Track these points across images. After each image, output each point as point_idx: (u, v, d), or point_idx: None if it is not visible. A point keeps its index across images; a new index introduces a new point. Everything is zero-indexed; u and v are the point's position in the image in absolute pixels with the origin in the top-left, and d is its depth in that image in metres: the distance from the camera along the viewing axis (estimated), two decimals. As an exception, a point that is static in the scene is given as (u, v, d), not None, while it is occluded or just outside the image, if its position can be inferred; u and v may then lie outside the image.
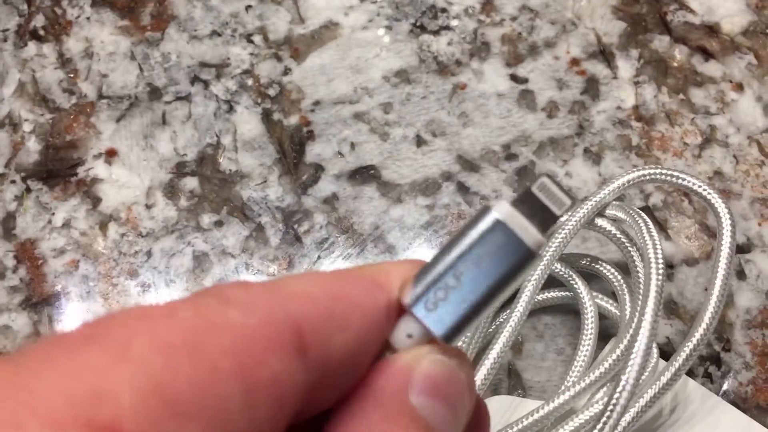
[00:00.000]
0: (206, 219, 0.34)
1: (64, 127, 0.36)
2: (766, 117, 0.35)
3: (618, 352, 0.26)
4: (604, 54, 0.37)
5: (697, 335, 0.27)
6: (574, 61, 0.36)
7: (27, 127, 0.36)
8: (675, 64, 0.36)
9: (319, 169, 0.35)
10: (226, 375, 0.11)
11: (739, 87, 0.36)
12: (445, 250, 0.14)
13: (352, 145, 0.35)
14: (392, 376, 0.14)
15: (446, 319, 0.14)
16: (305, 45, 0.37)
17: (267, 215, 0.34)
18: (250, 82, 0.36)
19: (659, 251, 0.26)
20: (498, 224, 0.14)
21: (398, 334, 0.15)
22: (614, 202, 0.29)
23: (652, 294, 0.26)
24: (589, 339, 0.28)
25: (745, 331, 0.31)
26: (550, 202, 0.15)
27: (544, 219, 0.14)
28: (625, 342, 0.26)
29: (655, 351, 0.27)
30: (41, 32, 0.38)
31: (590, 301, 0.29)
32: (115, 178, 0.35)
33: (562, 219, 0.28)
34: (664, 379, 0.26)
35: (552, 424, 0.27)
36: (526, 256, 0.14)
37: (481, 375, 0.27)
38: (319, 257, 0.33)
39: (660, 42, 0.37)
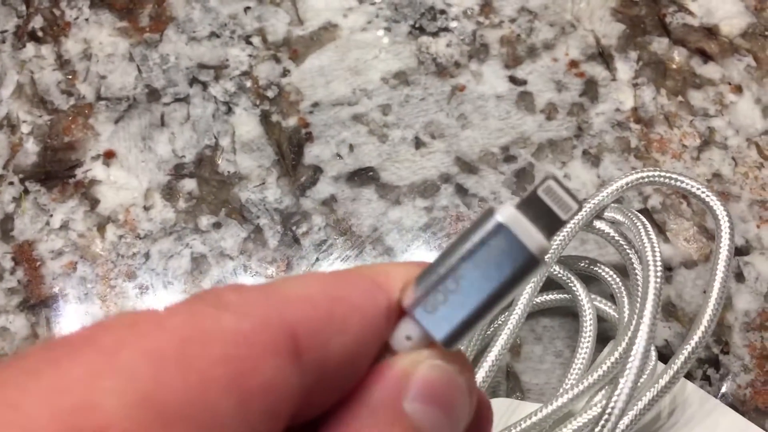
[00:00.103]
0: (204, 221, 0.34)
1: (63, 129, 0.36)
2: (765, 119, 0.35)
3: (616, 354, 0.26)
4: (603, 56, 0.37)
5: (696, 338, 0.27)
6: (573, 63, 0.36)
7: (25, 129, 0.36)
8: (674, 66, 0.36)
9: (317, 170, 0.35)
10: (217, 384, 0.11)
11: (738, 89, 0.36)
12: (447, 252, 0.14)
13: (351, 147, 0.35)
14: (387, 382, 0.14)
15: (446, 324, 0.14)
16: (304, 46, 0.37)
17: (265, 217, 0.34)
18: (248, 83, 0.36)
19: (658, 254, 0.26)
20: (501, 228, 0.14)
21: (398, 336, 0.14)
22: (613, 205, 0.29)
23: (651, 296, 0.26)
24: (588, 341, 0.28)
25: (744, 333, 0.31)
26: (556, 205, 0.14)
27: (550, 224, 0.14)
28: (624, 344, 0.26)
29: (653, 353, 0.27)
30: (40, 33, 0.38)
31: (589, 304, 0.29)
32: (114, 180, 0.35)
33: (569, 224, 0.28)
34: (662, 382, 0.26)
35: (550, 426, 0.27)
36: (529, 263, 0.14)
37: (479, 377, 0.27)
38: (317, 259, 0.33)
39: (659, 44, 0.37)
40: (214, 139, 0.35)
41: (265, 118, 0.36)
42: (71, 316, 0.32)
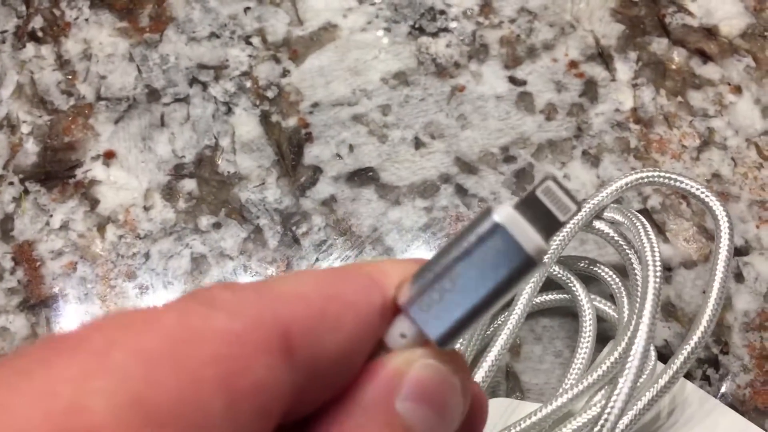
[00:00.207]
0: (204, 221, 0.34)
1: (63, 129, 0.36)
2: (765, 119, 0.35)
3: (616, 354, 0.26)
4: (603, 56, 0.37)
5: (695, 338, 0.27)
6: (573, 64, 0.36)
7: (25, 129, 0.36)
8: (673, 67, 0.36)
9: (317, 171, 0.35)
10: (208, 384, 0.11)
11: (738, 90, 0.36)
12: (445, 250, 0.14)
13: (351, 147, 0.35)
14: (380, 380, 0.14)
15: (441, 323, 0.14)
16: (304, 47, 0.37)
17: (265, 217, 0.34)
18: (248, 83, 0.36)
19: (657, 254, 0.26)
20: (497, 228, 0.13)
21: (392, 333, 0.14)
22: (612, 205, 0.29)
23: (650, 296, 0.26)
24: (587, 341, 0.28)
25: (743, 333, 0.31)
26: (555, 206, 0.14)
27: (548, 225, 0.14)
28: (623, 344, 0.26)
29: (653, 353, 0.27)
30: (39, 34, 0.38)
31: (588, 304, 0.29)
32: (113, 180, 0.35)
33: (567, 225, 0.28)
34: (662, 382, 0.26)
35: (550, 426, 0.27)
36: (526, 264, 0.13)
37: (479, 377, 0.27)
38: (317, 259, 0.33)
39: (658, 44, 0.37)
40: (214, 140, 0.35)
41: (264, 118, 0.36)
42: (71, 316, 0.32)
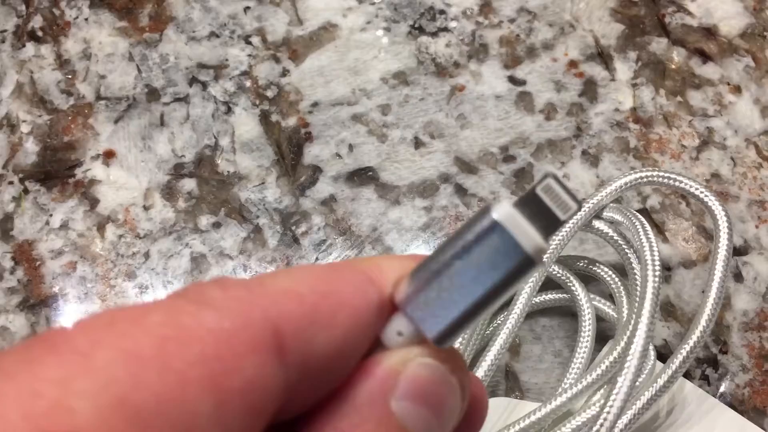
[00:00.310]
0: (204, 220, 0.34)
1: (62, 129, 0.36)
2: (764, 119, 0.35)
3: (615, 354, 0.26)
4: (602, 56, 0.37)
5: (694, 337, 0.27)
6: (572, 63, 0.36)
7: (25, 128, 0.36)
8: (673, 67, 0.36)
9: (317, 170, 0.35)
10: (195, 385, 0.11)
11: (737, 89, 0.36)
12: (443, 248, 0.14)
13: (350, 147, 0.35)
14: (375, 379, 0.13)
15: (438, 321, 0.13)
16: (303, 46, 0.37)
17: (265, 217, 0.34)
18: (248, 83, 0.36)
19: (656, 253, 0.26)
20: (496, 226, 0.13)
21: (389, 331, 0.14)
22: (612, 205, 0.29)
23: (649, 296, 0.26)
24: (587, 341, 0.28)
25: (742, 333, 0.31)
26: (555, 205, 0.13)
27: (548, 223, 0.13)
28: (622, 344, 0.26)
29: (652, 353, 0.27)
30: (39, 33, 0.38)
31: (587, 303, 0.29)
32: (113, 180, 0.35)
33: (567, 224, 0.28)
34: (661, 381, 0.26)
35: (549, 425, 0.27)
36: (525, 263, 0.13)
37: (478, 377, 0.27)
38: (317, 259, 0.33)
39: (658, 44, 0.37)
40: (213, 139, 0.35)
41: (264, 117, 0.36)
42: (71, 316, 0.32)
